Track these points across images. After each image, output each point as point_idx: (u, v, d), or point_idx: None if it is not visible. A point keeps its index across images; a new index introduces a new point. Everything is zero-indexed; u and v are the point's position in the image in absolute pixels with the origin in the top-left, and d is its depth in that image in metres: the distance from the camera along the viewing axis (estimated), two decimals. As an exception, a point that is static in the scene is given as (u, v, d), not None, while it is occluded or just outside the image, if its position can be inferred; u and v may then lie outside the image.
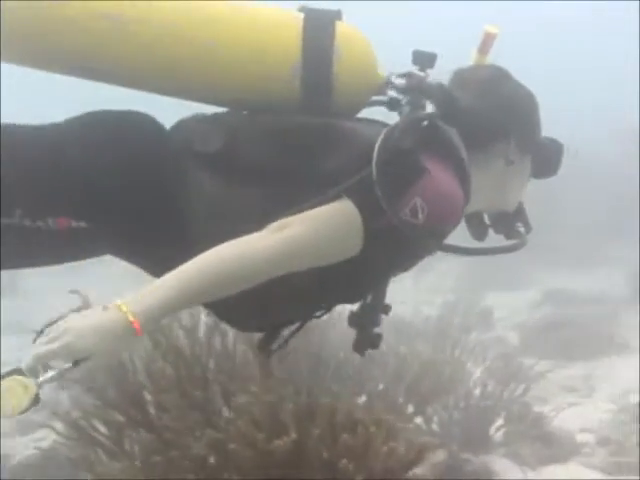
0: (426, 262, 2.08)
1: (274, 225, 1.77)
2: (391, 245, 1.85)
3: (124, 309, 1.60)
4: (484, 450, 4.77)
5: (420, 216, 1.78)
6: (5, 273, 1.92)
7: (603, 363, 7.17)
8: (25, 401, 1.59)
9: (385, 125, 1.92)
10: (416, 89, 1.97)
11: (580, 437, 5.09)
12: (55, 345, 1.59)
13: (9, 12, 1.77)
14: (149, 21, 1.81)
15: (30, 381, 1.59)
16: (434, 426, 4.59)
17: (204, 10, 1.87)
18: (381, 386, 3.78)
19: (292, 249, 1.75)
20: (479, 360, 5.25)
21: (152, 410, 2.77)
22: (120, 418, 2.81)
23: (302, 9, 1.97)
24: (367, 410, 2.47)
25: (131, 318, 1.59)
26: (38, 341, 1.63)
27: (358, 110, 2.06)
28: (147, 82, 1.94)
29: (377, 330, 2.16)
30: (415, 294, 9.79)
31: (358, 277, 1.93)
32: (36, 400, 1.61)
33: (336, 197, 1.80)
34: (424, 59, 1.98)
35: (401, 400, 3.73)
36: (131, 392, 2.81)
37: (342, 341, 4.03)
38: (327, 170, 1.85)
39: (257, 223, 1.77)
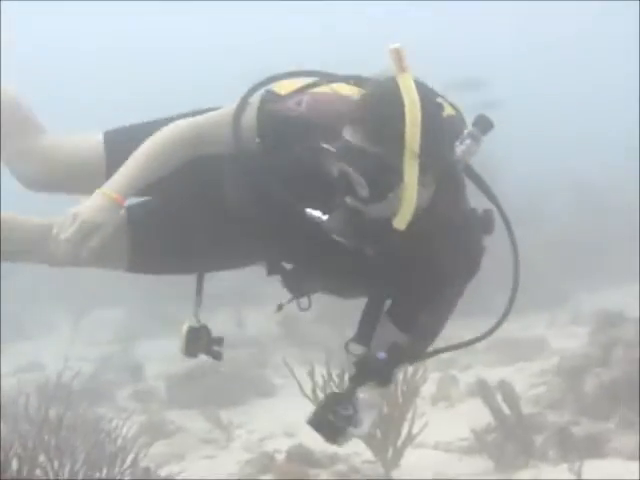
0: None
1: None
2: None
3: (107, 192, 2.24)
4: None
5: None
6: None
7: (244, 409, 7.35)
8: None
9: None
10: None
11: (205, 494, 5.14)
12: (76, 226, 2.18)
13: None
14: None
15: None
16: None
17: None
18: None
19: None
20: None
21: None
22: None
23: None
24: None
25: (114, 196, 2.24)
26: (59, 235, 2.18)
27: None
28: None
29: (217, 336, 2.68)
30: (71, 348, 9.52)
31: None
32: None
33: None
34: (483, 124, 2.15)
35: None
36: None
37: None
38: None
39: None
